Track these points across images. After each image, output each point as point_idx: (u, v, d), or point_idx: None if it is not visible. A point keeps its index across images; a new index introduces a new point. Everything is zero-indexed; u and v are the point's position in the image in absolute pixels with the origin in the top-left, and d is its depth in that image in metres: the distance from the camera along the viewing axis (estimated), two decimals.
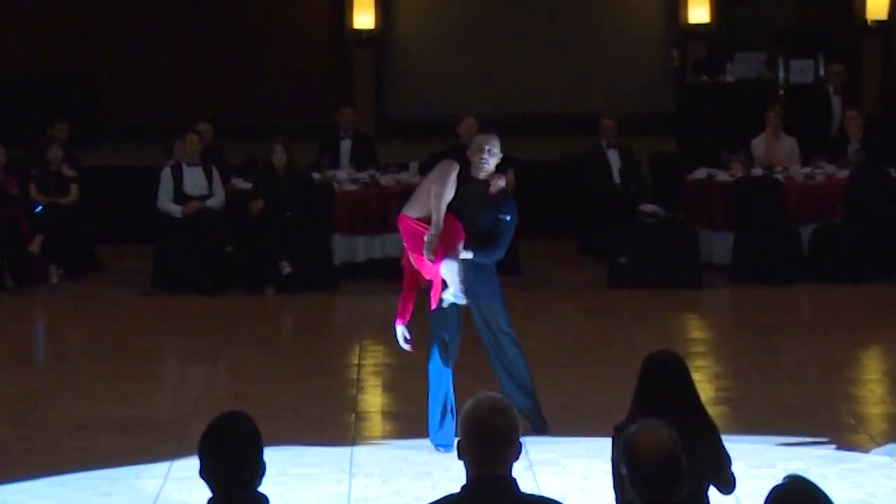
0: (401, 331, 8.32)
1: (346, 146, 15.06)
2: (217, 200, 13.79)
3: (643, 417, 4.30)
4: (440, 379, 8.49)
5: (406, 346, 8.38)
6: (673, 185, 14.94)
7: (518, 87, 20.26)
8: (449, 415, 8.43)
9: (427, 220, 8.22)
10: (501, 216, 8.57)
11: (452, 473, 7.69)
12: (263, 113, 19.56)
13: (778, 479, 4.07)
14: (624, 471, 4.20)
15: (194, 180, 13.78)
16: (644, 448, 4.15)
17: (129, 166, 16.07)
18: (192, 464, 4.36)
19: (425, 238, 8.17)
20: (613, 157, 14.97)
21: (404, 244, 8.37)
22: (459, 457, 4.23)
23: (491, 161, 8.51)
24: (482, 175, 8.48)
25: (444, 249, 8.16)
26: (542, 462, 8.07)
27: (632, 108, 18.45)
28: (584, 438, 8.58)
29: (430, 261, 8.16)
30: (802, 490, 3.99)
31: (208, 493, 4.25)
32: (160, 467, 8.26)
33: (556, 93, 20.15)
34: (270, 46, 20.33)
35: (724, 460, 5.50)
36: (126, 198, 15.25)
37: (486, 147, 8.50)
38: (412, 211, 8.35)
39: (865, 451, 8.46)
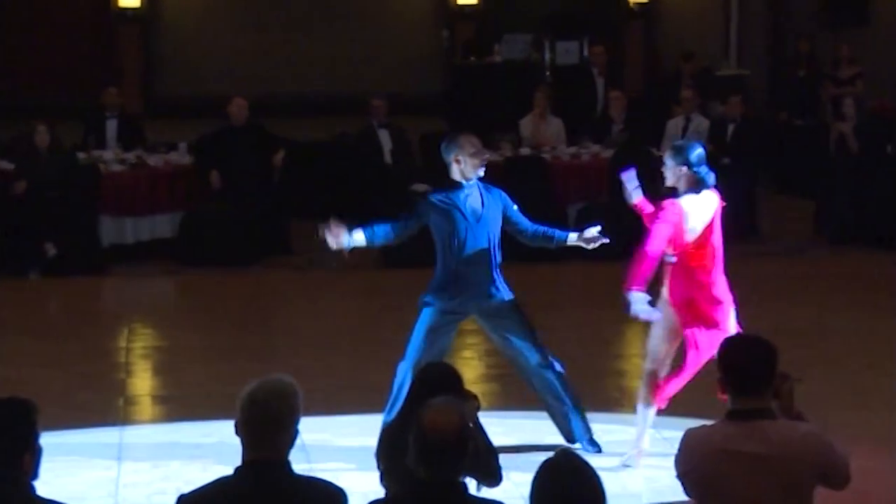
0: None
1: (112, 126, 14.78)
2: None
3: (412, 420, 4.33)
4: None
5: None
6: (443, 164, 15.02)
7: (288, 67, 20.17)
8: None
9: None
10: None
11: (225, 456, 7.62)
12: (27, 92, 19.05)
13: (548, 454, 4.17)
14: (411, 441, 4.23)
15: None
16: (432, 425, 4.19)
17: None
18: None
19: None
20: (384, 137, 15.02)
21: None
22: (236, 433, 4.22)
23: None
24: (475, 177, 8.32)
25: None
26: (314, 442, 8.06)
27: (402, 89, 18.54)
28: (357, 416, 8.61)
29: None
30: (570, 463, 4.11)
31: None
32: None
33: (327, 73, 20.13)
34: (34, 24, 19.82)
35: (489, 454, 5.62)
36: None
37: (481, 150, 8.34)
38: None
39: (630, 423, 8.68)
